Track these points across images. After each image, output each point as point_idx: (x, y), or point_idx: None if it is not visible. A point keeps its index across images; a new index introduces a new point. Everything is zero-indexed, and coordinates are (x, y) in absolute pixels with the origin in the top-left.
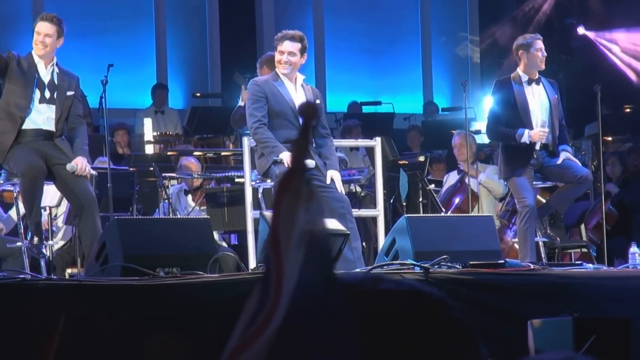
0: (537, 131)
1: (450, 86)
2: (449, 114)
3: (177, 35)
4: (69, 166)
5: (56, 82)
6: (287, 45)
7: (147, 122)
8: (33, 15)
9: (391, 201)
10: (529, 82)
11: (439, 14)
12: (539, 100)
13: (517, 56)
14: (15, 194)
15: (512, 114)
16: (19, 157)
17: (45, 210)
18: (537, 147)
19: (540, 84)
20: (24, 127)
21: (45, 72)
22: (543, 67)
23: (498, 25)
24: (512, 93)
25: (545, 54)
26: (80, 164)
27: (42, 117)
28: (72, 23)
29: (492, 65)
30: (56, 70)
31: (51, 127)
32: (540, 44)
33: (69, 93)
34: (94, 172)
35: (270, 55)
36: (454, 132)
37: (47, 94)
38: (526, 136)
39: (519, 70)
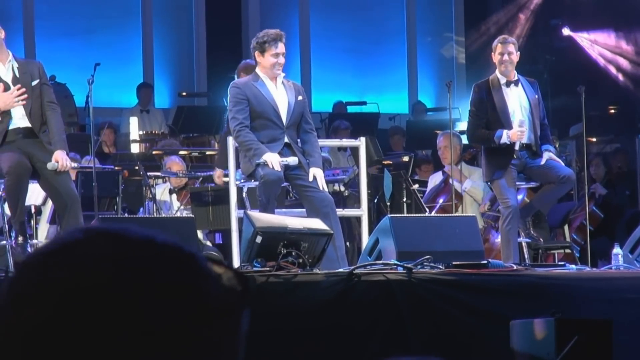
0: (515, 131)
1: (435, 86)
2: (434, 114)
3: (163, 35)
4: (50, 165)
5: (18, 77)
6: (282, 47)
7: (133, 121)
8: (24, 14)
9: (375, 201)
10: (507, 83)
11: (425, 14)
12: (518, 102)
13: None
14: (0, 192)
15: (492, 117)
16: (5, 157)
17: (31, 209)
18: (517, 147)
19: (519, 84)
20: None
21: (5, 72)
22: (508, 69)
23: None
24: (491, 96)
25: (507, 57)
26: (60, 161)
27: (16, 115)
28: (60, 22)
29: (478, 66)
30: (15, 65)
31: (26, 123)
32: (502, 47)
33: (34, 83)
34: (74, 164)
35: (246, 63)
36: (438, 132)
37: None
38: (505, 137)
39: (497, 73)
